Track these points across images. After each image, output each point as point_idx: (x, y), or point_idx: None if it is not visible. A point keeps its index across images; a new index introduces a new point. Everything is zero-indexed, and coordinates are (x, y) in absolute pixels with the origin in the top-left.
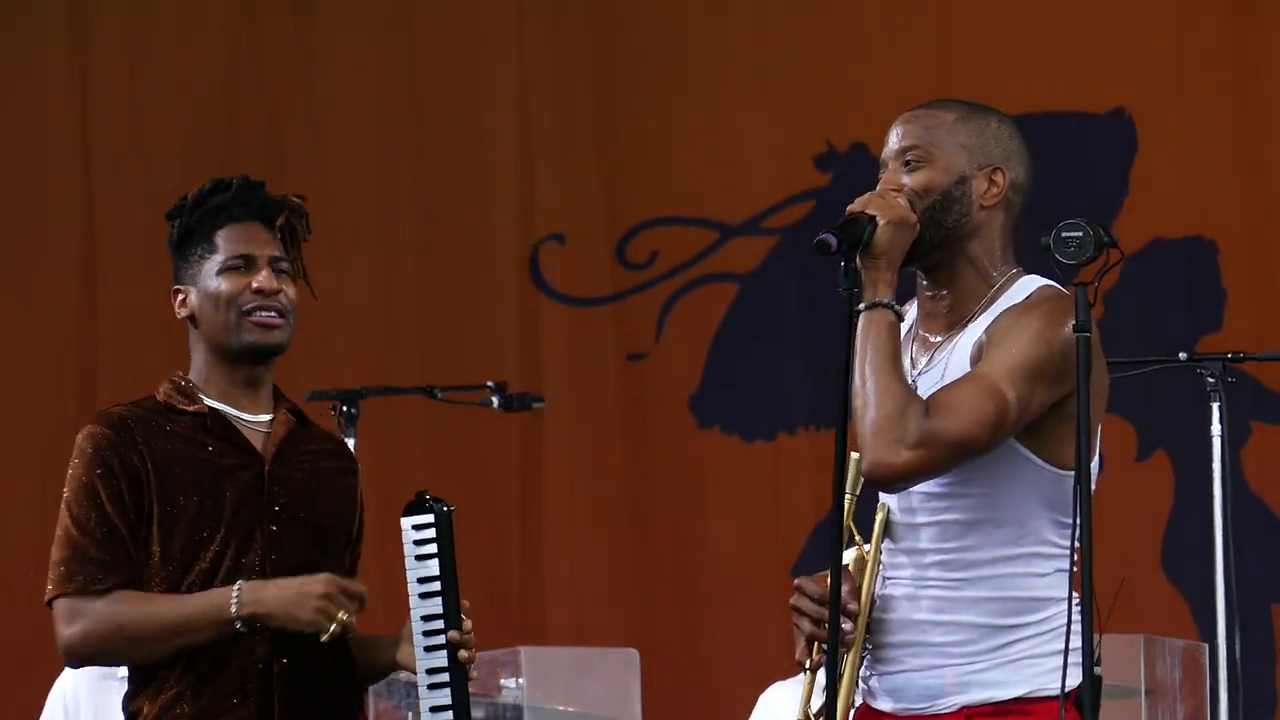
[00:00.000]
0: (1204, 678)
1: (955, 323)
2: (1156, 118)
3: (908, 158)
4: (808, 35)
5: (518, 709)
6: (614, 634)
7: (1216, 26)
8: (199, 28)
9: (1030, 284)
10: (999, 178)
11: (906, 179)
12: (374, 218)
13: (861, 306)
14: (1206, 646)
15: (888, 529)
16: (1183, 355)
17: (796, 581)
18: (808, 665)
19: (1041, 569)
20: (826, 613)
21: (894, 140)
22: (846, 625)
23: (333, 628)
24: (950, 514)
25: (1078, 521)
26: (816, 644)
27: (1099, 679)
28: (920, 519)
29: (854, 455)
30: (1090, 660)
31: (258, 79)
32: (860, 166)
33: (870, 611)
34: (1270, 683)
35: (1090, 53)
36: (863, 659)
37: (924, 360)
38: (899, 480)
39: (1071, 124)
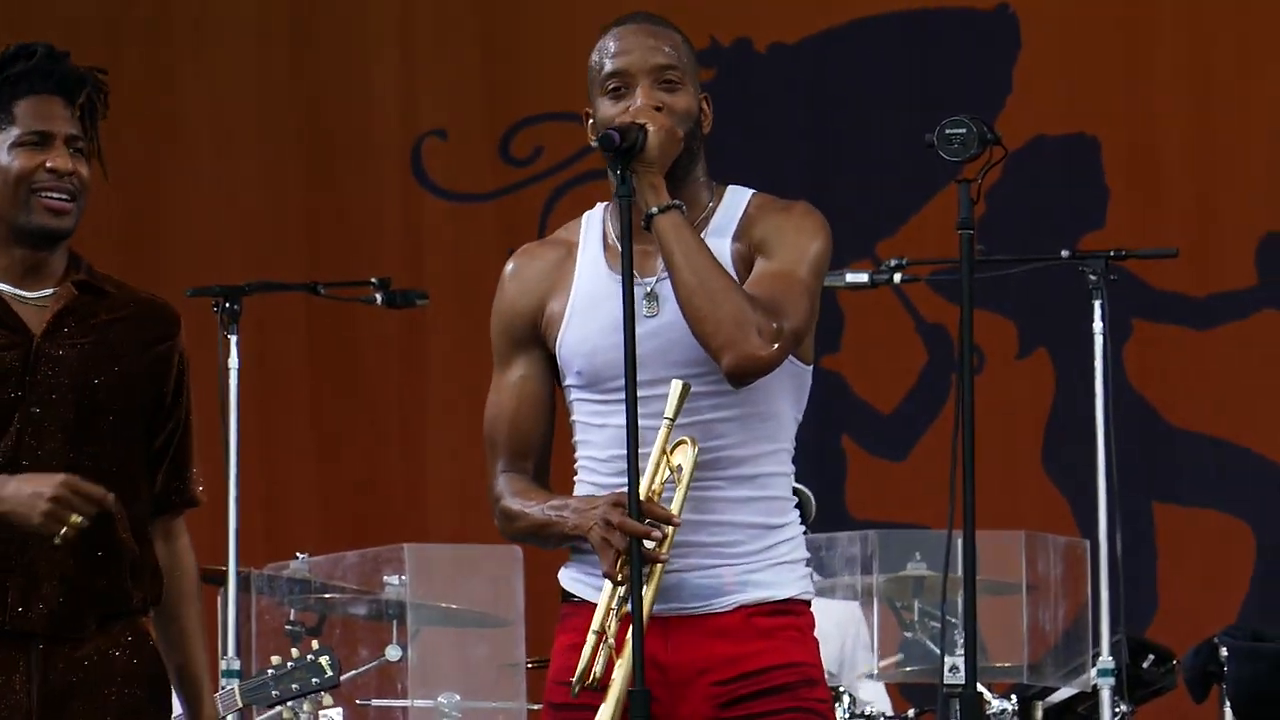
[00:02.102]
0: (1085, 574)
1: None
2: (1040, 14)
3: (668, 77)
4: None
5: (400, 605)
6: (497, 532)
7: None
8: None
9: (742, 191)
10: (707, 105)
11: (667, 98)
12: (257, 115)
13: (655, 210)
14: (1088, 543)
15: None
16: (1065, 253)
17: (615, 496)
18: (619, 580)
19: (787, 468)
20: (643, 529)
21: (644, 55)
22: (656, 534)
23: (63, 531)
24: (715, 412)
25: (961, 420)
26: (623, 559)
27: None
28: (681, 420)
29: (677, 382)
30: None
31: None
32: (745, 62)
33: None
34: (1151, 579)
35: None
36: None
37: (660, 267)
38: (761, 373)
39: (956, 20)
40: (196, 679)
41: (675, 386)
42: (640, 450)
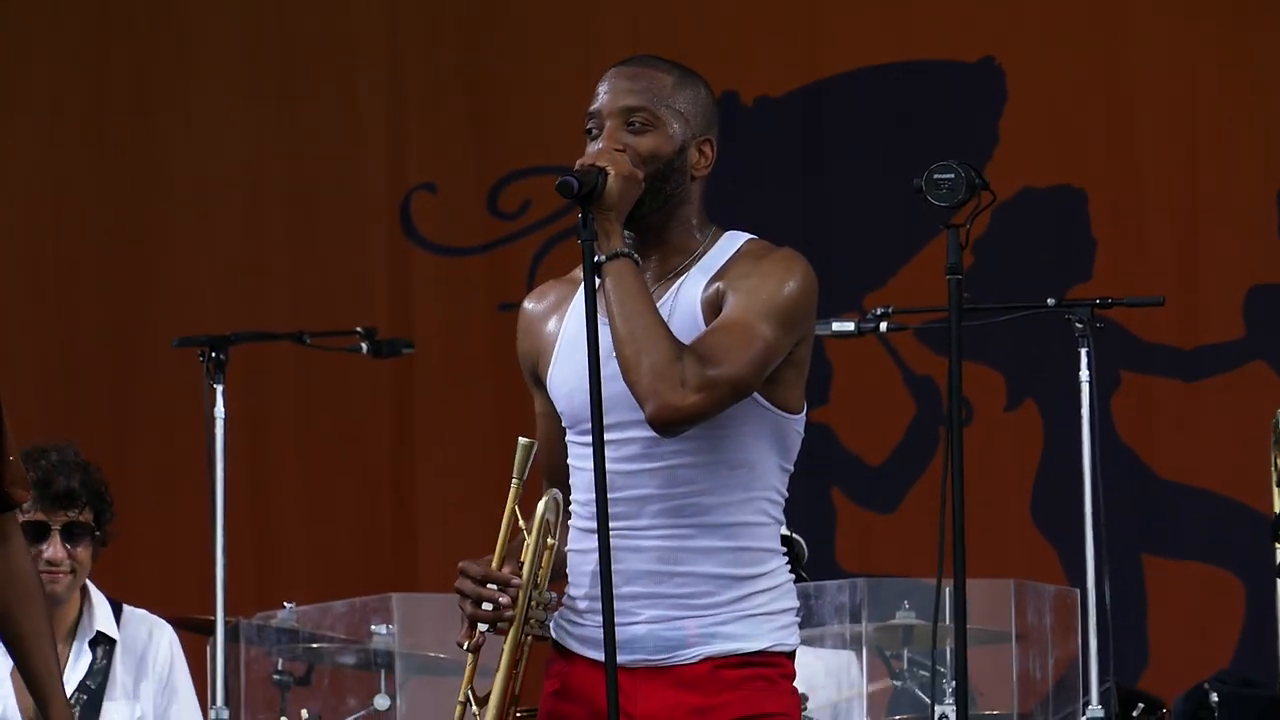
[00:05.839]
0: (1075, 623)
1: (663, 275)
2: (1026, 67)
3: (633, 119)
4: None
5: (389, 655)
6: None
7: None
8: None
9: (737, 236)
10: (708, 149)
11: (630, 139)
12: (243, 164)
13: (603, 258)
14: (1078, 591)
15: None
16: (1051, 300)
17: (460, 565)
18: (466, 646)
19: (764, 518)
20: (485, 594)
21: (613, 97)
22: (503, 599)
23: None
24: (681, 458)
25: (950, 471)
26: (477, 625)
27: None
28: (646, 465)
29: (522, 440)
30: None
31: (127, 29)
32: (731, 116)
33: (536, 584)
34: (1142, 631)
35: (960, 2)
36: (540, 625)
37: None
38: (684, 423)
39: (942, 73)
40: (42, 680)
41: (519, 444)
42: (610, 495)
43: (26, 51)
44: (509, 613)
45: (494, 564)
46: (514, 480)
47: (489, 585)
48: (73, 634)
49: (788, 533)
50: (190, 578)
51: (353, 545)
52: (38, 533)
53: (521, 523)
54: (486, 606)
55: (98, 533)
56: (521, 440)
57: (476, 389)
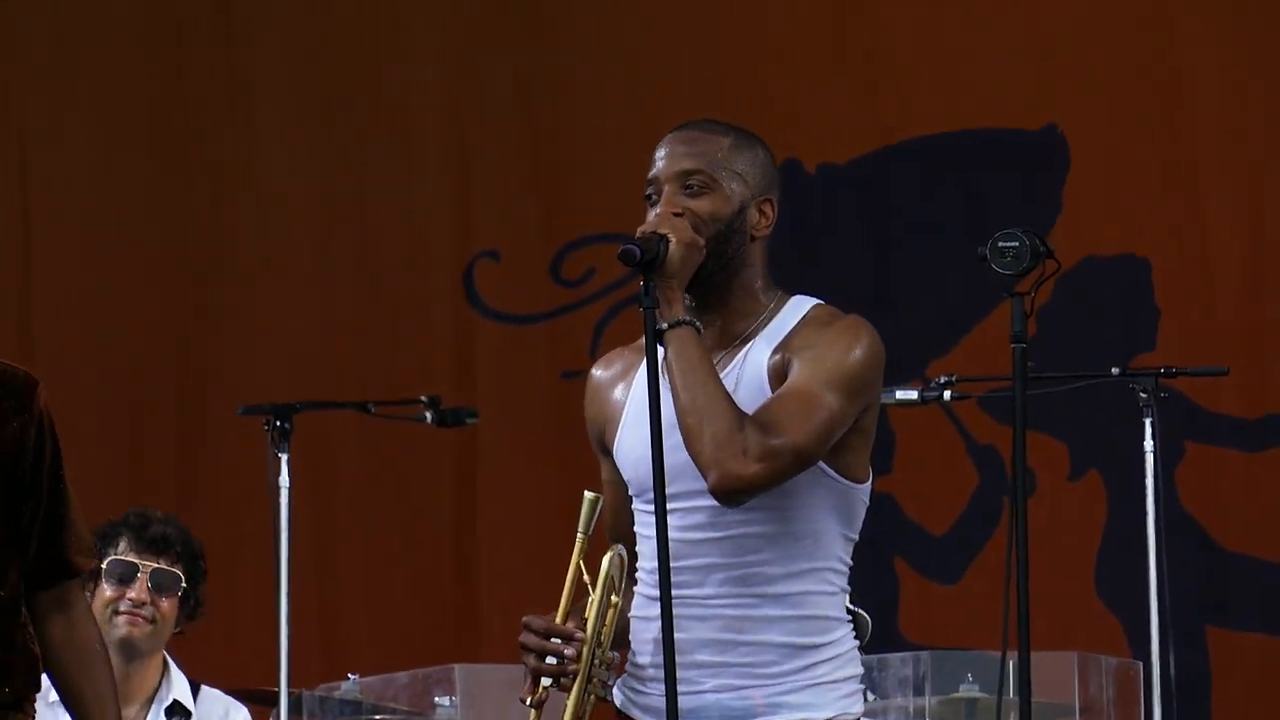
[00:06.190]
0: (1139, 696)
1: (728, 341)
2: (1089, 135)
3: (690, 182)
4: (734, 56)
5: None
6: None
7: (1142, 46)
8: (129, 45)
9: (804, 301)
10: (768, 209)
11: (688, 202)
12: (308, 231)
13: (665, 326)
14: (1141, 664)
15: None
16: (1115, 370)
17: (524, 619)
18: (529, 702)
19: (829, 586)
20: (550, 646)
21: (670, 162)
22: (569, 651)
23: None
24: (746, 527)
25: (1014, 542)
26: (541, 680)
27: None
28: (711, 534)
29: (588, 495)
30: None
31: (194, 101)
32: (793, 183)
33: (600, 641)
34: (1206, 704)
35: (1021, 70)
36: (603, 684)
37: None
38: (746, 493)
39: (1005, 140)
40: None
41: (585, 498)
42: (675, 564)
43: (93, 120)
44: (572, 668)
45: (558, 619)
46: (579, 535)
47: (553, 639)
48: (150, 701)
49: (852, 607)
50: (253, 648)
51: (416, 616)
52: (126, 573)
53: (586, 578)
54: (550, 661)
55: (185, 586)
56: (587, 495)
57: (540, 458)
